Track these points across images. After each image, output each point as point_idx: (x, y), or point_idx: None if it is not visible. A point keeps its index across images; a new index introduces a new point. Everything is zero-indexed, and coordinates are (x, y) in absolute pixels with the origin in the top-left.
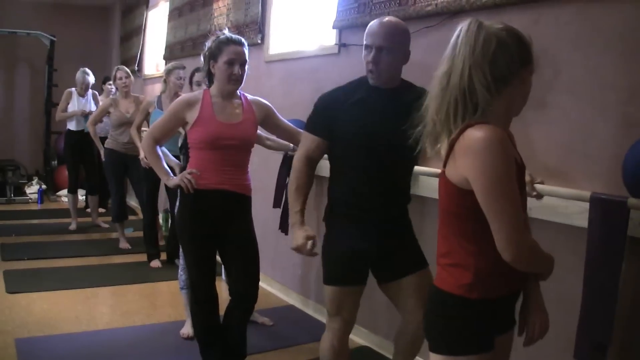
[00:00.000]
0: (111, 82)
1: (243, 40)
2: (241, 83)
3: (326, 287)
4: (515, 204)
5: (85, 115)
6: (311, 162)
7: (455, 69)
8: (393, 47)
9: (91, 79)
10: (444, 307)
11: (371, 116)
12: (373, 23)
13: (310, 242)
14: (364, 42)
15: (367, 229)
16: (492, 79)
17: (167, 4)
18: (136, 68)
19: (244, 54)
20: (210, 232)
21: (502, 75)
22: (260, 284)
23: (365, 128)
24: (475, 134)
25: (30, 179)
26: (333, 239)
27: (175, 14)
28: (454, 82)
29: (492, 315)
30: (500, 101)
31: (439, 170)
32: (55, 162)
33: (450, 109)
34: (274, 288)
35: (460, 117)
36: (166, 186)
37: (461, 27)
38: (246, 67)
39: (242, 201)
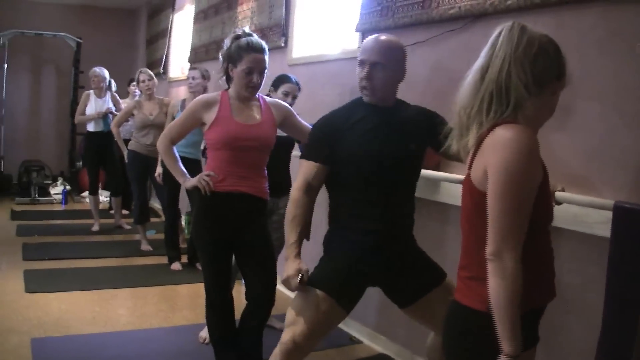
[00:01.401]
0: (135, 84)
1: (263, 45)
2: (258, 90)
3: (304, 288)
4: (522, 212)
5: (103, 115)
6: (311, 191)
7: (494, 64)
8: (387, 63)
9: (100, 71)
10: (465, 323)
11: (371, 136)
12: (368, 39)
13: (300, 276)
14: (359, 58)
15: (371, 249)
16: (531, 78)
17: (193, 7)
18: (161, 71)
19: (263, 61)
20: (226, 236)
21: (539, 77)
22: (277, 287)
23: (367, 149)
24: (507, 131)
25: (55, 180)
26: (334, 253)
27: (201, 17)
28: (492, 76)
29: None
30: (533, 103)
31: (460, 177)
32: (80, 163)
33: (485, 102)
34: (291, 292)
35: (494, 111)
36: (186, 188)
37: (503, 27)
38: (265, 73)
39: (259, 204)
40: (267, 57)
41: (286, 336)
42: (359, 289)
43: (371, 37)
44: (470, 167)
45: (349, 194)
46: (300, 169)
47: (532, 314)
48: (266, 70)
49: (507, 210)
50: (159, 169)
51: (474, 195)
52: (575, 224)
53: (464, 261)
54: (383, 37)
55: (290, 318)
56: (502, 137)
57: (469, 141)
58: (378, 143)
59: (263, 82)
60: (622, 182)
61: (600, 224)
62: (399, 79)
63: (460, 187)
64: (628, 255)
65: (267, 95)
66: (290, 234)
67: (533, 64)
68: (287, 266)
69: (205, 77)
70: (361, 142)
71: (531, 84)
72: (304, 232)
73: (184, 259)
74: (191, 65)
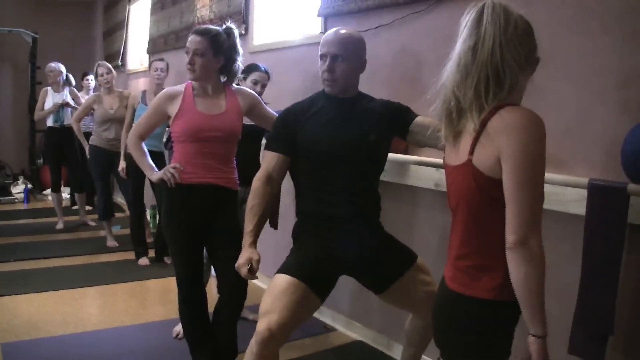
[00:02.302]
0: (89, 78)
1: (206, 29)
2: (195, 73)
3: (275, 276)
4: (541, 197)
5: (60, 106)
6: (272, 182)
7: (485, 45)
8: (348, 55)
9: (56, 66)
10: (467, 313)
11: (331, 126)
12: (328, 33)
13: (249, 265)
14: (320, 52)
15: (339, 238)
16: (523, 58)
17: None
18: (120, 63)
19: (196, 43)
20: (196, 228)
21: (528, 57)
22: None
23: (327, 138)
24: (516, 113)
25: (15, 179)
26: (304, 242)
27: (158, 7)
28: (484, 58)
29: (517, 314)
30: (522, 81)
31: (429, 160)
32: (41, 160)
33: (481, 85)
34: (264, 283)
35: (492, 94)
36: (151, 182)
37: (482, 6)
38: (205, 57)
39: (228, 195)
40: (204, 41)
41: (261, 325)
42: (331, 276)
43: (331, 31)
44: (471, 153)
45: (312, 183)
46: (263, 160)
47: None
48: (207, 57)
49: (530, 197)
50: (122, 164)
51: (480, 182)
52: (551, 203)
53: (462, 250)
54: (342, 30)
55: (265, 307)
56: (516, 121)
57: (466, 126)
58: (337, 133)
59: (201, 66)
60: (595, 160)
61: (575, 202)
62: (359, 71)
63: (429, 169)
64: (603, 232)
65: (236, 85)
66: (247, 223)
67: (522, 45)
68: (240, 254)
69: (167, 69)
70: (321, 132)
71: (524, 64)
72: (262, 222)
73: (151, 253)
74: (155, 56)
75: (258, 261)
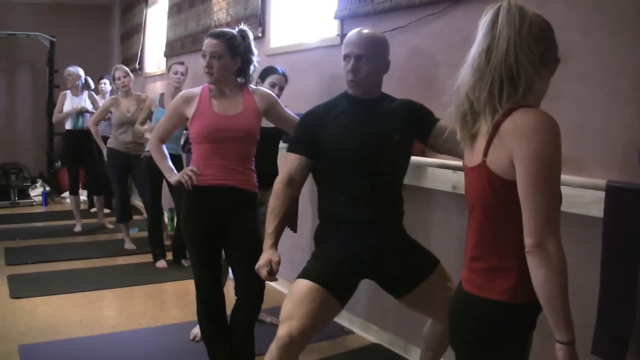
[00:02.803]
0: (104, 81)
1: (223, 32)
2: (213, 76)
3: (296, 281)
4: (558, 198)
5: (79, 112)
6: (293, 184)
7: (499, 47)
8: (372, 55)
9: (75, 70)
10: (482, 315)
11: (354, 127)
12: (351, 33)
13: (269, 267)
14: (342, 52)
15: (362, 241)
16: (538, 59)
17: (167, 0)
18: (137, 66)
19: (213, 45)
20: (214, 230)
21: (543, 58)
22: (267, 282)
23: (350, 139)
24: (528, 116)
25: (34, 182)
26: (326, 246)
27: (175, 10)
28: (497, 60)
29: (534, 318)
30: (539, 84)
31: (445, 162)
32: (59, 163)
33: (495, 87)
34: (282, 286)
35: (506, 96)
36: (169, 185)
37: (497, 7)
38: (222, 60)
39: (245, 197)
40: (220, 43)
41: (282, 331)
42: (353, 281)
43: (354, 31)
44: (485, 155)
45: (335, 186)
46: (285, 162)
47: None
48: (225, 59)
49: (545, 199)
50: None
51: (494, 183)
52: (569, 205)
53: (477, 252)
54: (365, 30)
55: (286, 312)
56: (527, 123)
57: (480, 128)
58: (361, 134)
59: (218, 69)
60: (612, 161)
61: (593, 204)
62: (383, 71)
63: (446, 172)
64: (622, 233)
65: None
66: (268, 225)
67: (537, 45)
68: (261, 256)
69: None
70: (344, 134)
71: (539, 65)
72: (283, 224)
73: (169, 256)
74: (172, 59)
75: (278, 263)
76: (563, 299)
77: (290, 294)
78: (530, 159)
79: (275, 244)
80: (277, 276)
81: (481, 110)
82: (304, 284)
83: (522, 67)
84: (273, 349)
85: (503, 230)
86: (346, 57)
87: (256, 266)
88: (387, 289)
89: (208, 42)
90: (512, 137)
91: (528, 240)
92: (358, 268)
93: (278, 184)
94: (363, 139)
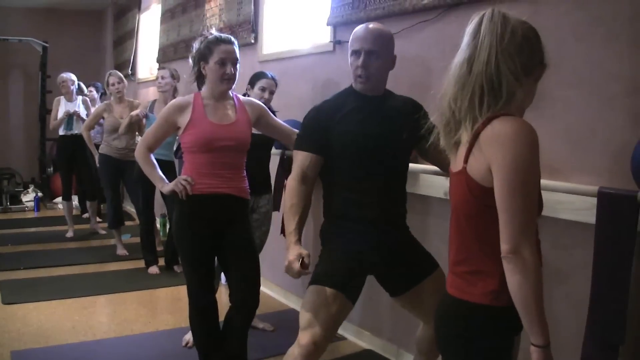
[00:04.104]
0: (92, 89)
1: (232, 38)
2: (234, 82)
3: (310, 288)
4: (533, 206)
5: (70, 115)
6: (306, 180)
7: (480, 56)
8: (382, 51)
9: (68, 76)
10: (464, 319)
11: (365, 125)
12: (359, 28)
13: (301, 260)
14: (351, 48)
15: (369, 239)
16: (520, 67)
17: (160, 6)
18: (130, 72)
19: (234, 52)
20: (209, 239)
21: (526, 66)
22: (261, 288)
23: (362, 136)
24: (507, 124)
25: (26, 187)
26: (334, 245)
27: (168, 16)
28: (479, 69)
29: (517, 320)
30: (521, 92)
31: (438, 169)
32: (51, 169)
33: (475, 96)
34: (273, 292)
35: (486, 105)
36: (161, 192)
37: (482, 15)
38: (237, 65)
39: (239, 204)
40: (237, 50)
41: (305, 339)
42: (361, 279)
43: (361, 27)
44: (465, 162)
45: (343, 183)
46: (295, 160)
47: None
48: (239, 64)
49: (521, 207)
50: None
51: (474, 190)
52: (561, 211)
53: (460, 256)
54: (372, 25)
55: (306, 320)
56: (504, 132)
57: (461, 137)
58: (375, 131)
59: (237, 75)
60: (604, 168)
61: (585, 210)
62: (390, 67)
63: (439, 178)
64: (613, 240)
65: (244, 95)
66: (289, 223)
67: (520, 53)
68: (288, 253)
69: (175, 76)
70: (354, 132)
71: (520, 74)
72: (303, 220)
73: (161, 262)
74: (160, 65)
75: (309, 256)
76: (538, 303)
77: (307, 301)
78: (506, 167)
79: (299, 240)
80: (268, 282)
81: (462, 119)
82: (321, 290)
83: (504, 76)
84: (296, 356)
85: (483, 234)
86: (355, 52)
87: (286, 263)
88: (384, 285)
89: (229, 49)
90: (489, 145)
91: (504, 247)
92: (364, 266)
93: (292, 181)
94: (375, 136)
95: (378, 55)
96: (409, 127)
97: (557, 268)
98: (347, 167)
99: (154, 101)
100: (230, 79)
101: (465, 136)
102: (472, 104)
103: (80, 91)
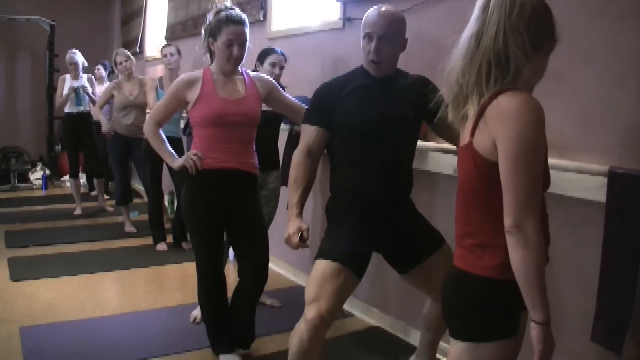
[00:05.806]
0: (99, 67)
1: (243, 17)
2: (240, 62)
3: (316, 262)
4: (537, 181)
5: (74, 90)
6: (312, 154)
7: (488, 31)
8: (394, 35)
9: (78, 57)
10: (471, 291)
11: (369, 103)
12: (371, 12)
13: (300, 233)
14: (363, 31)
15: (375, 216)
16: (528, 43)
17: None
18: (138, 50)
19: (243, 34)
20: (218, 214)
21: (535, 41)
22: (269, 265)
23: (364, 115)
24: (512, 100)
25: (34, 165)
26: (339, 220)
27: None
28: (487, 44)
29: (521, 296)
30: (529, 68)
31: (448, 146)
32: (59, 147)
33: (483, 71)
34: (281, 268)
35: (493, 80)
36: (169, 168)
37: None
38: (247, 45)
39: (249, 180)
40: (247, 30)
41: (311, 313)
42: (367, 255)
43: (374, 10)
44: (472, 136)
45: (349, 159)
46: (302, 134)
47: None
48: (248, 43)
49: (525, 182)
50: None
51: (479, 164)
52: (571, 189)
53: (466, 229)
54: (385, 8)
55: (312, 294)
56: (510, 106)
57: (468, 111)
58: (377, 109)
59: (245, 55)
60: (615, 147)
61: (595, 188)
62: (401, 50)
63: (448, 156)
64: (623, 220)
65: (253, 70)
66: (292, 195)
67: (528, 28)
68: (288, 225)
69: (180, 53)
70: (359, 107)
71: (529, 49)
72: (306, 194)
73: (169, 239)
74: (166, 42)
75: (308, 230)
76: (539, 279)
77: (312, 276)
78: (511, 142)
79: (300, 213)
80: (275, 258)
81: (469, 93)
82: (326, 264)
83: (511, 51)
84: (303, 331)
85: (490, 208)
86: (368, 36)
87: (286, 235)
88: (391, 262)
89: (237, 31)
90: (495, 120)
91: (507, 221)
92: (370, 242)
93: (298, 155)
94: (378, 114)
95: (390, 40)
96: (418, 107)
97: (565, 247)
98: (351, 143)
99: (160, 78)
100: (236, 60)
101: (472, 110)
102: (480, 78)
103: (87, 69)
